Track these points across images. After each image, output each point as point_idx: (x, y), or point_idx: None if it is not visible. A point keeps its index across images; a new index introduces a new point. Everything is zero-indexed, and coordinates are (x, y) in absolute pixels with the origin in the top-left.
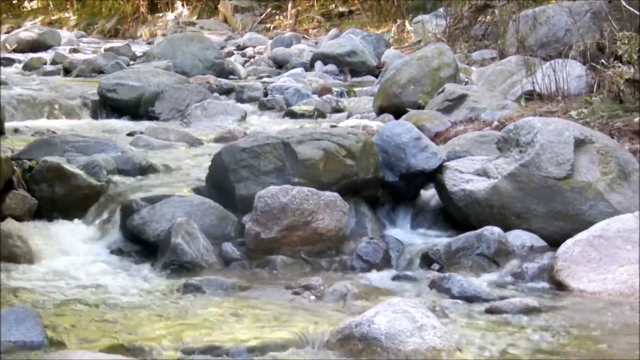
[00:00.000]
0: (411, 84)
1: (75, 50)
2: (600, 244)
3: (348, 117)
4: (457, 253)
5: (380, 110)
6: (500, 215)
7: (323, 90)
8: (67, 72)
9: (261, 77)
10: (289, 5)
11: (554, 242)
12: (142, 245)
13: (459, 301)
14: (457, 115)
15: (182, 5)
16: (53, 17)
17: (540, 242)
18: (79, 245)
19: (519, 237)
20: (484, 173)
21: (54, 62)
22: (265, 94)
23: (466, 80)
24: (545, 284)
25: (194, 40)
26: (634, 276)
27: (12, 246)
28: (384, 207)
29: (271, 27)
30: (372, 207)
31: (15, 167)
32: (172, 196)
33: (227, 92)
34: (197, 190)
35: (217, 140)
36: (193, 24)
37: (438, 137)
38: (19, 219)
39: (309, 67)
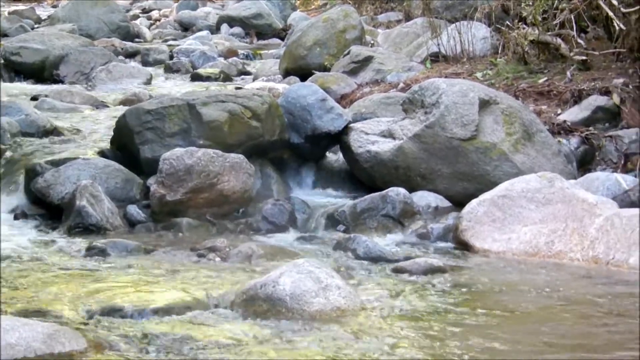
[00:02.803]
0: (317, 46)
1: None
2: (504, 204)
3: (254, 79)
4: (363, 214)
5: (286, 73)
6: (405, 176)
7: (229, 53)
8: None
9: (167, 40)
10: None
11: (458, 203)
12: (46, 209)
13: (364, 262)
14: (363, 77)
15: None
16: None
17: (445, 203)
18: None
19: (424, 198)
20: (389, 134)
21: None
22: (171, 57)
23: (372, 42)
24: (450, 244)
25: (99, 3)
26: (538, 236)
27: None
28: (289, 169)
29: None
30: (277, 169)
31: None
32: (76, 159)
33: (132, 55)
34: (102, 153)
35: (122, 103)
36: None
37: (344, 99)
38: None
39: (215, 29)
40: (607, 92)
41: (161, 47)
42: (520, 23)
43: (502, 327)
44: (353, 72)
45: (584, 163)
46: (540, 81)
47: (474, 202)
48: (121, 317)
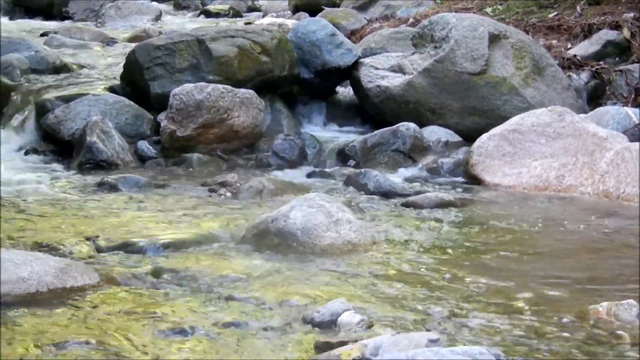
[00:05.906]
0: None
1: None
2: (514, 138)
3: (264, 15)
4: (373, 149)
5: (296, 9)
6: (415, 111)
7: None
8: None
9: None
10: None
11: (469, 137)
12: (57, 145)
13: (375, 196)
14: (372, 12)
15: None
16: None
17: (455, 137)
18: None
19: (435, 133)
20: (399, 69)
21: None
22: None
23: None
24: (460, 179)
25: None
26: (548, 170)
27: None
28: (299, 104)
29: None
30: (287, 104)
31: None
32: (86, 95)
33: None
34: (112, 89)
35: (132, 39)
36: None
37: (354, 35)
38: None
39: None
40: (617, 26)
41: None
42: None
43: (511, 259)
44: (362, 8)
45: (594, 97)
46: (550, 16)
47: (484, 136)
48: (133, 252)
